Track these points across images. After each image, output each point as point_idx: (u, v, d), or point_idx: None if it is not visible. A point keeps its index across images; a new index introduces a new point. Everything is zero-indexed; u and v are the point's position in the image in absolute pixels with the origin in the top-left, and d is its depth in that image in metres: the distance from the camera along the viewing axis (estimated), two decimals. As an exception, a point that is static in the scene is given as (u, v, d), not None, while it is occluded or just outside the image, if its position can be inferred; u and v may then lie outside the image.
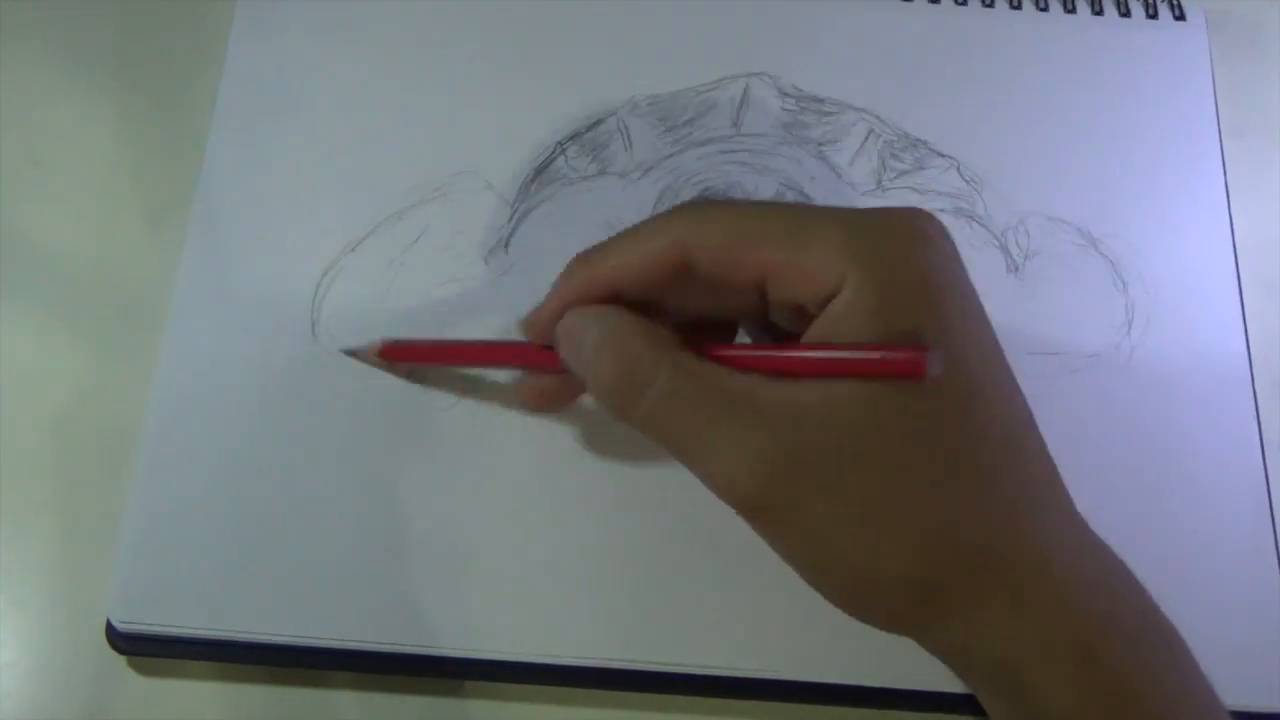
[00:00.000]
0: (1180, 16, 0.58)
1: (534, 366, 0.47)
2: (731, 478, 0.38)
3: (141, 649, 0.47)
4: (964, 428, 0.38)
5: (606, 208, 0.53)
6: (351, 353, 0.50)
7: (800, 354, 0.38)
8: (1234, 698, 0.45)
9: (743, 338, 0.46)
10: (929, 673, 0.46)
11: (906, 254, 0.39)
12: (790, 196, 0.53)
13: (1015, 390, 0.40)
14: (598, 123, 0.55)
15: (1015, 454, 0.39)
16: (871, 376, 0.37)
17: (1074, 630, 0.38)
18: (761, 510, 0.39)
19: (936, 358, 0.35)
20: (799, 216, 0.40)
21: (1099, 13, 0.58)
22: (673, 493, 0.48)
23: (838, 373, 0.37)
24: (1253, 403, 0.51)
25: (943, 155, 0.55)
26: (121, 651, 0.47)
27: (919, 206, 0.41)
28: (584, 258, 0.43)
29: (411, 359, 0.50)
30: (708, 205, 0.42)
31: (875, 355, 0.36)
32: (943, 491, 0.38)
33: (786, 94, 0.56)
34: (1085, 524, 0.41)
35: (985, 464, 0.38)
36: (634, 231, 0.42)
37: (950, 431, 0.38)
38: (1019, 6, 0.58)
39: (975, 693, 0.41)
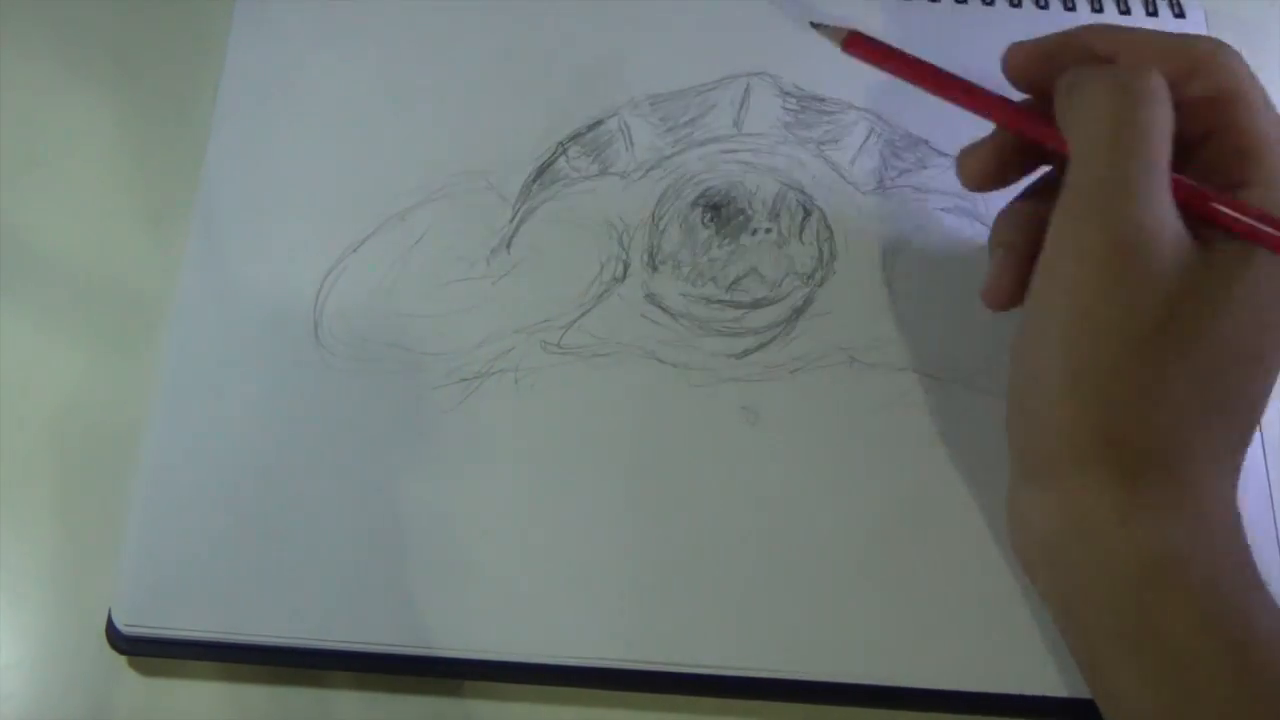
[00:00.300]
0: (1180, 15, 0.59)
1: (997, 118, 0.48)
2: (1064, 262, 0.41)
3: (143, 650, 0.47)
4: (1186, 329, 0.40)
5: (608, 207, 0.53)
6: (819, 25, 0.51)
7: None
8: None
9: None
10: (929, 673, 0.46)
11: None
12: (791, 196, 0.53)
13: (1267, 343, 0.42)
14: (599, 122, 0.55)
15: (1221, 382, 0.41)
16: None
17: (1207, 553, 0.39)
18: (1126, 265, 0.40)
19: None
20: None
21: (1098, 11, 0.58)
22: (673, 494, 0.48)
23: None
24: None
25: (944, 154, 0.55)
26: (122, 652, 0.47)
27: None
28: (1097, 27, 0.46)
29: (874, 60, 0.49)
30: (1228, 59, 0.43)
31: None
32: (1129, 368, 0.39)
33: (787, 93, 0.56)
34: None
35: (1182, 373, 0.40)
36: (1159, 35, 0.44)
37: (1247, 333, 0.40)
38: (1019, 4, 0.58)
39: (1065, 602, 0.42)
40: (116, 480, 0.49)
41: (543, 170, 0.54)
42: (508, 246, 0.52)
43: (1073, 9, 0.58)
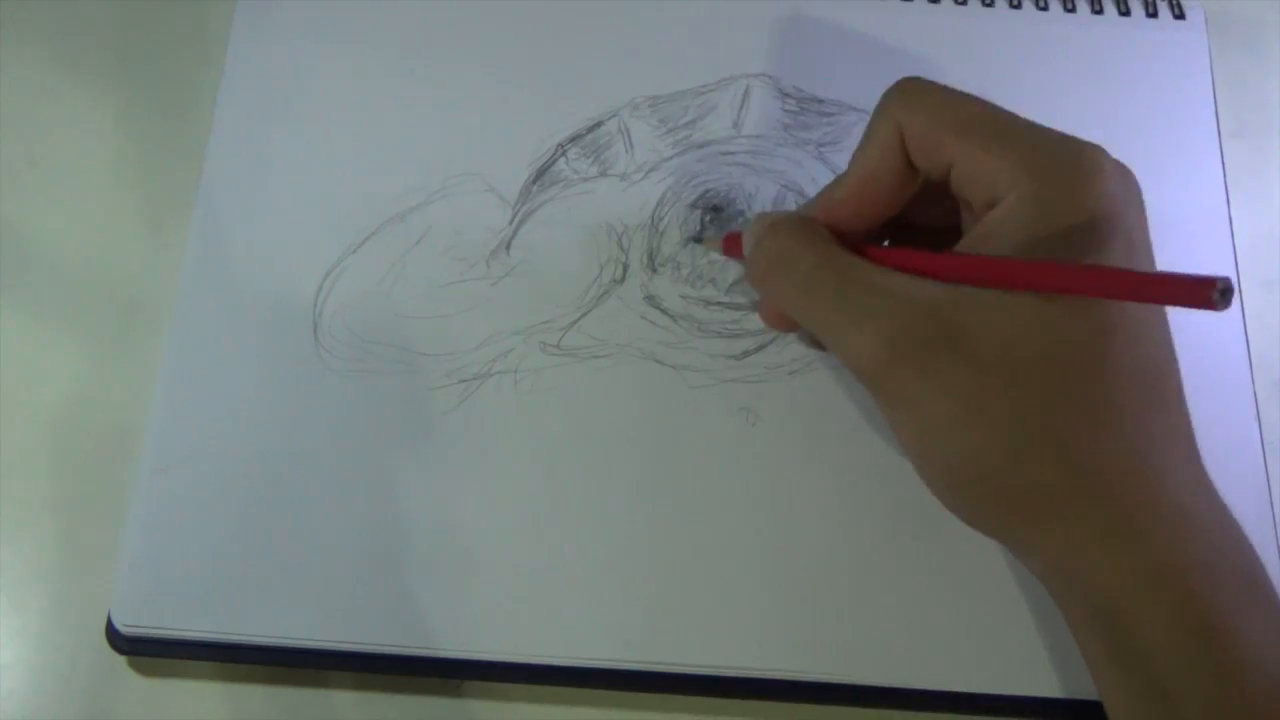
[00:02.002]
0: (1180, 16, 0.58)
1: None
2: (858, 356, 0.41)
3: (142, 650, 0.47)
4: (1095, 354, 0.39)
5: (608, 209, 0.53)
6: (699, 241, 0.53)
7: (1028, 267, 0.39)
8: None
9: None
10: (928, 673, 0.46)
11: (1076, 179, 0.40)
12: (791, 198, 0.53)
13: (1165, 335, 0.42)
14: (598, 124, 0.55)
15: (1147, 390, 0.40)
16: (1138, 298, 0.38)
17: (1172, 571, 0.38)
18: (881, 389, 0.41)
19: (1227, 288, 0.33)
20: (993, 116, 0.43)
21: (1098, 12, 0.58)
22: (673, 495, 0.48)
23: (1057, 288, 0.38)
24: (1253, 404, 0.51)
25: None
26: (122, 652, 0.47)
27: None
28: (840, 174, 0.46)
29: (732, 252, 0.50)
30: (919, 83, 0.44)
31: (1163, 285, 0.36)
32: (1061, 403, 0.39)
33: (787, 95, 0.55)
34: (1205, 474, 0.41)
35: (1110, 394, 0.39)
36: (866, 134, 0.45)
37: (1079, 354, 0.39)
38: (1018, 6, 0.58)
39: (1065, 616, 0.42)
40: (117, 480, 0.49)
41: (542, 172, 0.54)
42: (507, 248, 0.52)
43: (1072, 10, 0.58)
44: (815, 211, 0.45)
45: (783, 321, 0.49)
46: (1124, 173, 0.42)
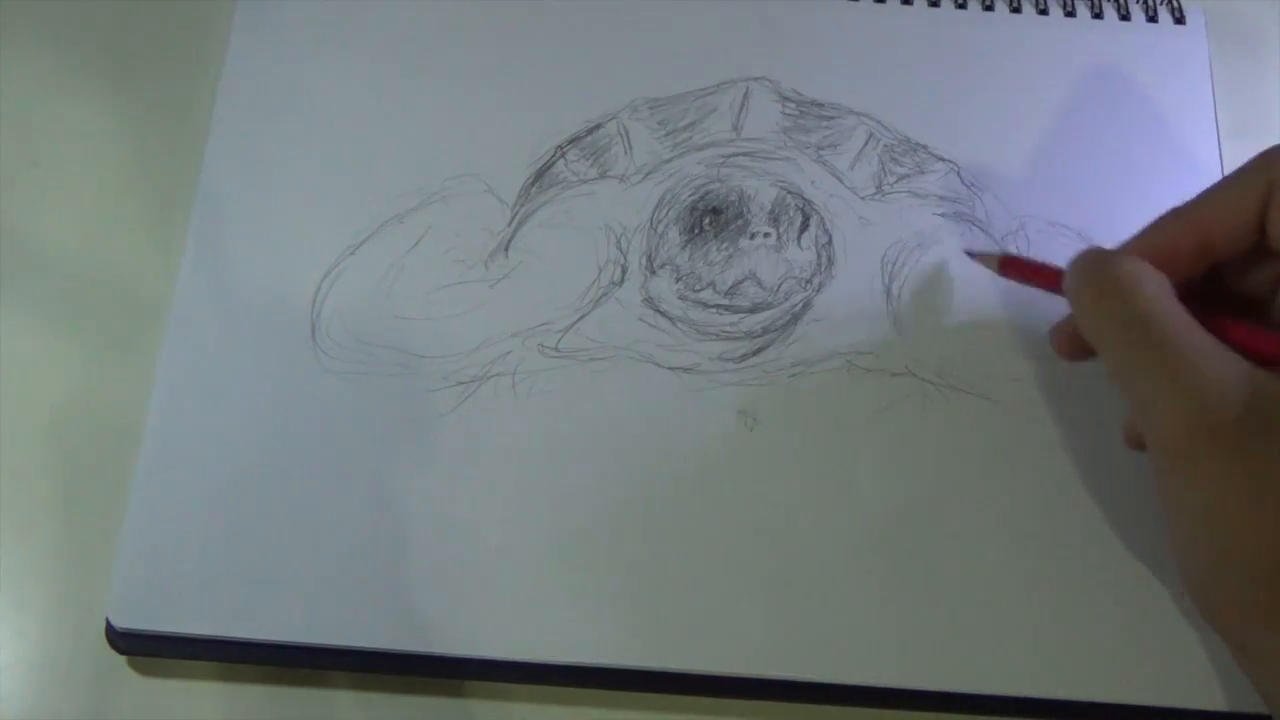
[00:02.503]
0: (1180, 20, 0.58)
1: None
2: (1160, 417, 0.40)
3: (141, 648, 0.47)
4: None
5: (606, 211, 0.53)
6: (973, 254, 0.52)
7: None
8: (1237, 700, 0.45)
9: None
10: (926, 674, 0.46)
11: None
12: (790, 201, 0.53)
13: None
14: (598, 126, 0.55)
15: None
16: None
17: None
18: (1175, 457, 0.40)
19: None
20: None
21: (1099, 16, 0.58)
22: (670, 497, 0.48)
23: None
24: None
25: (943, 159, 0.55)
26: (121, 651, 0.47)
27: None
28: (1175, 209, 0.45)
29: (1026, 277, 0.49)
30: None
31: None
32: None
33: (787, 98, 0.56)
34: None
35: None
36: (1221, 180, 0.44)
37: None
38: (1019, 10, 0.58)
39: None
40: (116, 479, 0.49)
41: (541, 173, 0.54)
42: (505, 250, 0.52)
43: (1072, 14, 0.58)
44: (1139, 250, 0.44)
45: (1076, 352, 0.47)
46: None
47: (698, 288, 0.52)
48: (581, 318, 0.51)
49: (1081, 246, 0.52)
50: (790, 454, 0.49)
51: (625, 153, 0.54)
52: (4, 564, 0.49)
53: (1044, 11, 0.58)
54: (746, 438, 0.49)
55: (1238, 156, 0.55)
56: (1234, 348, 0.40)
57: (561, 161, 0.54)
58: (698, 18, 0.57)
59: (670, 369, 0.50)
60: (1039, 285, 0.48)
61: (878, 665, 0.46)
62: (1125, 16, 0.58)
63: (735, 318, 0.51)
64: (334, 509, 0.48)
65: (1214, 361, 0.40)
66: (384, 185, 0.53)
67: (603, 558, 0.48)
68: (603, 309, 0.51)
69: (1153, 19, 0.58)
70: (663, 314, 0.51)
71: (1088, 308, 0.44)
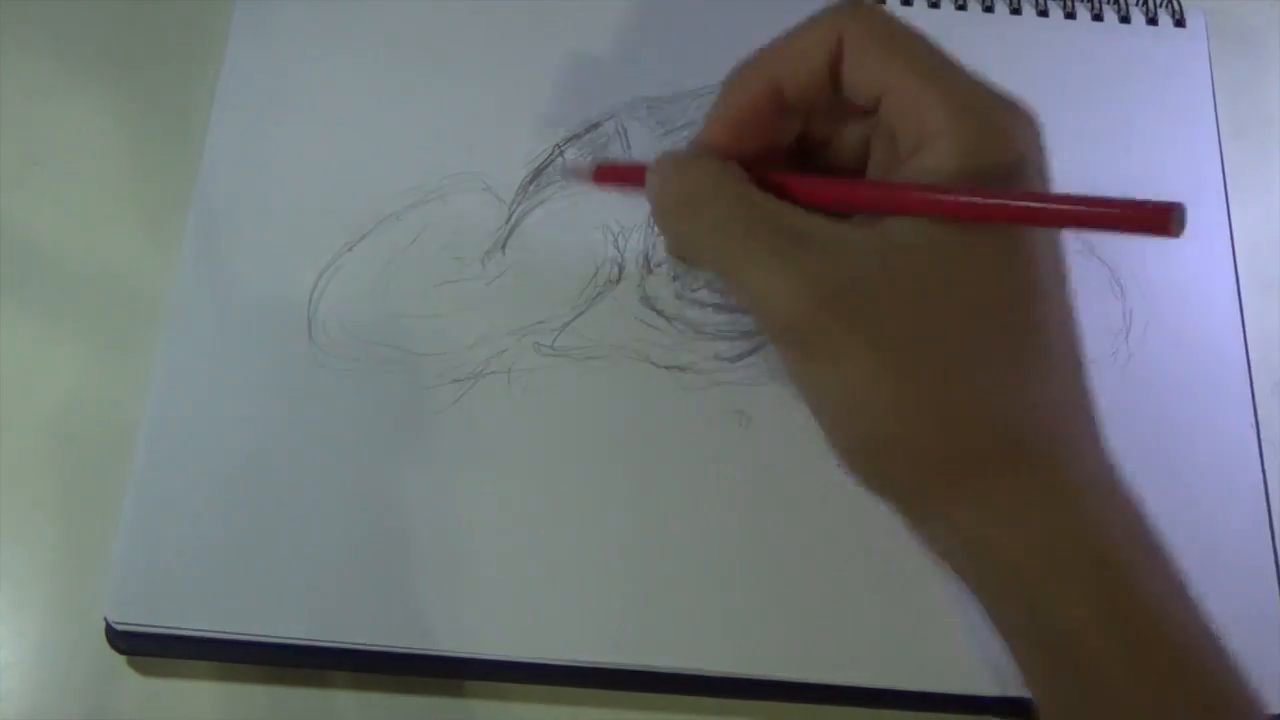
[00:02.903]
0: (1180, 23, 0.58)
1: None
2: (774, 304, 0.38)
3: (139, 648, 0.47)
4: (1026, 311, 0.38)
5: (604, 210, 0.53)
6: (568, 170, 0.52)
7: (979, 198, 0.37)
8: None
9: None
10: (923, 674, 0.46)
11: (1012, 132, 0.39)
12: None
13: (1072, 300, 0.40)
14: (596, 125, 0.55)
15: (1070, 355, 0.39)
16: (1100, 225, 0.36)
17: (1096, 540, 0.38)
18: (799, 340, 0.38)
19: (1180, 212, 0.33)
20: (938, 56, 0.40)
21: (1099, 18, 0.58)
22: (666, 496, 0.49)
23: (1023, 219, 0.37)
24: (1251, 405, 0.51)
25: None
26: (121, 651, 0.47)
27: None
28: (744, 64, 0.43)
29: (619, 179, 0.48)
30: (869, 5, 0.41)
31: (1125, 208, 0.35)
32: (989, 365, 0.37)
33: (785, 98, 0.56)
34: (1108, 445, 0.40)
35: (1040, 352, 0.38)
36: (796, 27, 0.42)
37: (1011, 309, 0.38)
38: (1018, 11, 0.58)
39: (976, 595, 0.40)
40: (115, 478, 0.49)
41: (539, 172, 0.54)
42: (502, 248, 0.52)
43: (1072, 16, 0.58)
44: (718, 120, 0.43)
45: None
46: (1037, 123, 0.40)
47: (694, 287, 0.52)
48: (578, 316, 0.51)
49: (1080, 249, 0.53)
50: (784, 454, 0.49)
51: (624, 151, 0.54)
52: (4, 564, 0.49)
53: (1044, 14, 0.58)
54: (742, 437, 0.49)
55: (1239, 157, 0.55)
56: (834, 207, 0.39)
57: (560, 160, 0.54)
58: (696, 17, 0.58)
59: (666, 368, 0.51)
60: (632, 188, 0.46)
61: (876, 665, 0.47)
62: (1125, 19, 0.58)
63: (731, 317, 0.51)
64: (330, 506, 0.48)
65: (808, 238, 0.38)
66: (381, 183, 0.53)
67: (598, 556, 0.48)
68: (599, 307, 0.51)
69: (1153, 21, 0.59)
70: (659, 313, 0.51)
71: (668, 220, 0.42)
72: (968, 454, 0.38)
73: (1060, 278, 0.40)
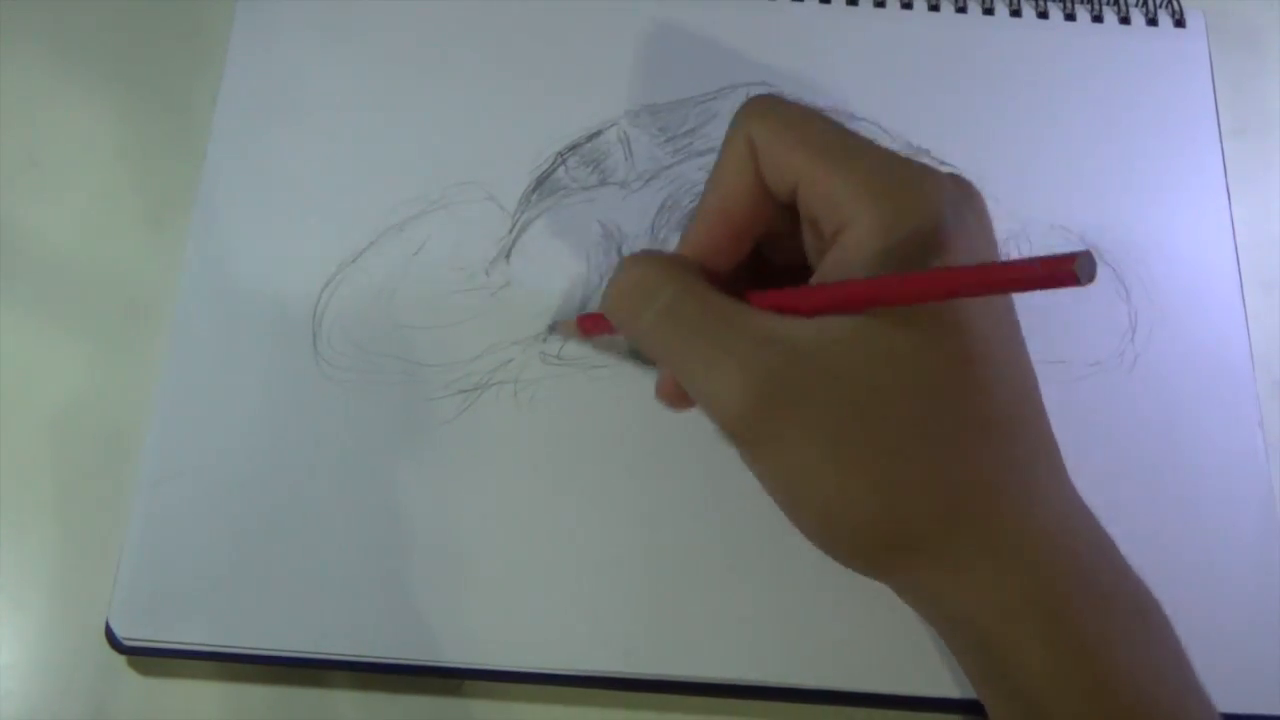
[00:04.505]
0: (1180, 23, 0.58)
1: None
2: (721, 400, 0.39)
3: (142, 654, 0.47)
4: (958, 380, 0.38)
5: (607, 218, 0.53)
6: (553, 329, 0.51)
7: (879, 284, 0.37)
8: (1240, 701, 0.46)
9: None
10: (928, 679, 0.46)
11: (918, 198, 0.39)
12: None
13: (1022, 353, 0.41)
14: (598, 133, 0.55)
15: (1009, 414, 0.40)
16: (1006, 288, 0.35)
17: (1044, 592, 0.38)
18: (745, 435, 0.39)
19: (1088, 261, 0.32)
20: (840, 135, 0.41)
21: (1099, 19, 0.58)
22: (673, 505, 0.49)
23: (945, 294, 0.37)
24: (1256, 406, 0.51)
25: (944, 163, 0.54)
26: (122, 653, 0.47)
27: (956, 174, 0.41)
28: (700, 200, 0.44)
29: (600, 327, 0.49)
30: (771, 98, 0.42)
31: (1027, 270, 0.34)
32: (923, 439, 0.38)
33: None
34: (1076, 494, 0.41)
35: (974, 418, 0.39)
36: (717, 163, 0.43)
37: (942, 381, 0.38)
38: (1019, 13, 0.58)
39: (946, 644, 0.42)
40: (116, 479, 0.49)
41: (542, 181, 0.54)
42: (507, 257, 0.52)
43: (1073, 18, 0.58)
44: (680, 248, 0.44)
45: (677, 401, 0.46)
46: (964, 187, 0.41)
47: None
48: (583, 325, 0.51)
49: (1083, 249, 0.52)
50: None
51: (626, 159, 0.54)
52: (4, 564, 0.49)
53: (1044, 15, 0.58)
54: (747, 445, 0.49)
55: (1239, 157, 0.55)
56: (786, 314, 0.39)
57: (562, 168, 0.54)
58: (698, 23, 0.57)
59: (672, 376, 0.50)
60: (606, 330, 0.48)
61: (881, 670, 0.47)
62: (1125, 20, 0.58)
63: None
64: (336, 518, 0.48)
65: (751, 332, 0.39)
66: (385, 192, 0.53)
67: (603, 566, 0.48)
68: (604, 316, 0.51)
69: (1153, 22, 0.58)
70: (664, 320, 0.51)
71: (617, 310, 0.43)
72: (910, 526, 0.39)
73: (1004, 335, 0.40)
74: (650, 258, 0.42)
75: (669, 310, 0.40)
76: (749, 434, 0.39)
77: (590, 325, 0.49)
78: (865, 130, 0.55)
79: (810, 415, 0.38)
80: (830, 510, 0.39)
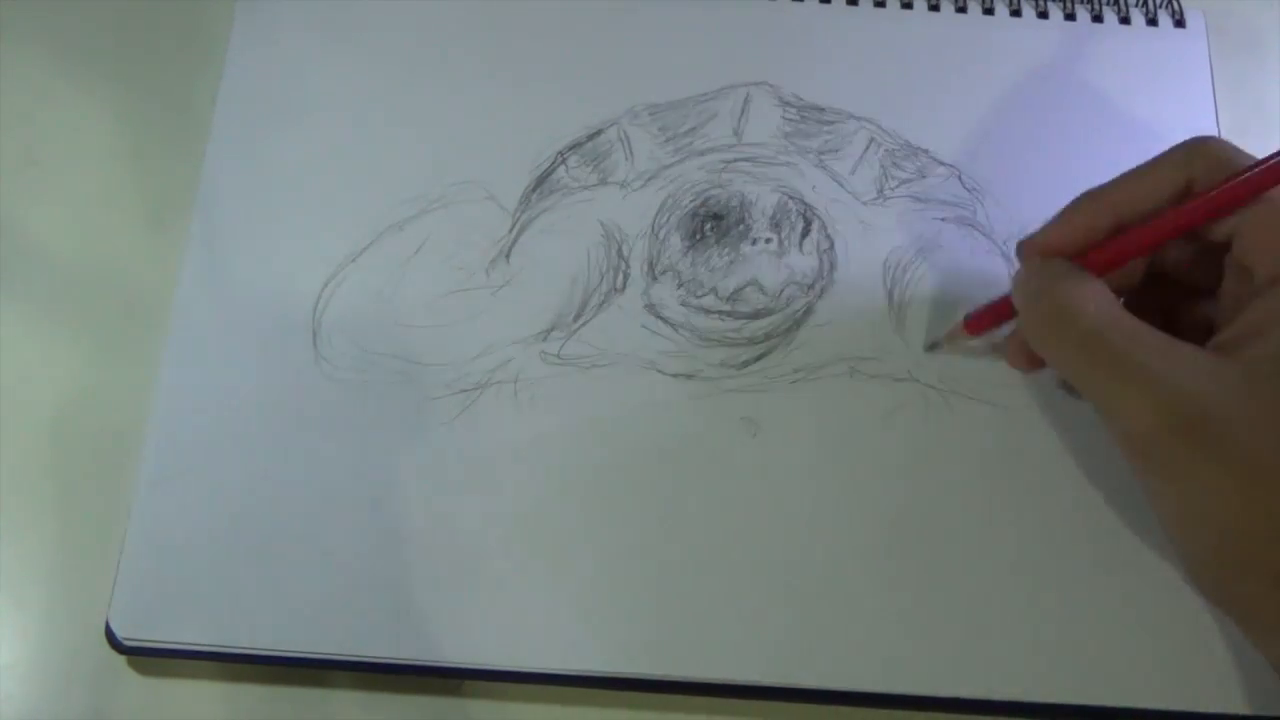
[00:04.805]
0: (1180, 23, 0.58)
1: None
2: (1129, 422, 0.41)
3: (142, 654, 0.47)
4: None
5: (607, 217, 0.53)
6: (936, 345, 0.52)
7: None
8: (1240, 701, 0.46)
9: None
10: (930, 678, 0.46)
11: None
12: (792, 206, 0.53)
13: None
14: (598, 132, 0.55)
15: None
16: None
17: None
18: (1149, 457, 0.41)
19: None
20: None
21: (1099, 20, 0.58)
22: (673, 504, 0.49)
23: None
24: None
25: (944, 164, 0.55)
26: (122, 653, 0.47)
27: None
28: (1091, 192, 0.46)
29: (991, 323, 0.50)
30: (1216, 142, 0.44)
31: None
32: None
33: (787, 103, 0.55)
34: None
35: None
36: (1143, 165, 0.45)
37: None
38: (1019, 13, 0.58)
39: None
40: (116, 479, 0.49)
41: (542, 180, 0.54)
42: (507, 256, 0.52)
43: (1072, 18, 0.58)
44: (1054, 235, 0.46)
45: (1032, 364, 0.48)
46: None
47: (700, 294, 0.52)
48: (583, 324, 0.51)
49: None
50: (793, 460, 0.49)
51: (626, 158, 0.54)
52: (4, 564, 0.49)
53: (1044, 15, 0.58)
54: (749, 444, 0.49)
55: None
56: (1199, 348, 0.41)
57: (562, 168, 0.54)
58: (698, 23, 0.57)
59: (672, 375, 0.50)
60: (1005, 320, 0.49)
61: (882, 671, 0.47)
62: (1125, 20, 0.58)
63: (737, 324, 0.51)
64: (336, 518, 0.48)
65: (1170, 360, 0.40)
66: (385, 191, 0.53)
67: (604, 566, 0.48)
68: (604, 315, 0.51)
69: (1152, 22, 0.58)
70: (665, 320, 0.51)
71: (1038, 330, 0.44)
72: None
73: None
74: (1072, 279, 0.43)
75: (1091, 334, 0.42)
76: (1153, 457, 0.41)
77: (978, 325, 0.50)
78: (865, 130, 0.55)
79: (1223, 445, 0.39)
80: (1227, 542, 0.40)
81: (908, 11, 0.58)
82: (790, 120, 0.55)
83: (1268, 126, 0.59)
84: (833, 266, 0.52)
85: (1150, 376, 0.40)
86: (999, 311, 0.48)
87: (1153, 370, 0.40)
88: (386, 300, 0.51)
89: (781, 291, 0.52)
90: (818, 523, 0.48)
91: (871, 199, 0.54)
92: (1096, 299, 0.42)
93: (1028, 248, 0.47)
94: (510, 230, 0.53)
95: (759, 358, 0.51)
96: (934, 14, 0.58)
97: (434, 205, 0.53)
